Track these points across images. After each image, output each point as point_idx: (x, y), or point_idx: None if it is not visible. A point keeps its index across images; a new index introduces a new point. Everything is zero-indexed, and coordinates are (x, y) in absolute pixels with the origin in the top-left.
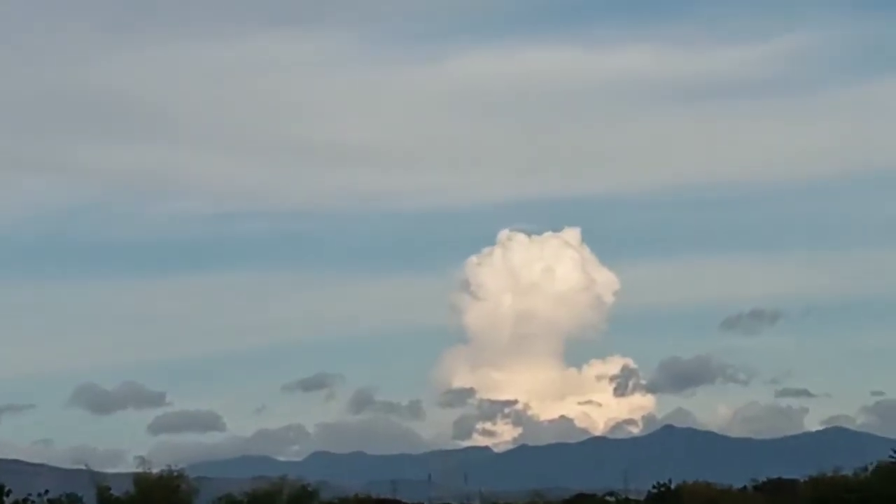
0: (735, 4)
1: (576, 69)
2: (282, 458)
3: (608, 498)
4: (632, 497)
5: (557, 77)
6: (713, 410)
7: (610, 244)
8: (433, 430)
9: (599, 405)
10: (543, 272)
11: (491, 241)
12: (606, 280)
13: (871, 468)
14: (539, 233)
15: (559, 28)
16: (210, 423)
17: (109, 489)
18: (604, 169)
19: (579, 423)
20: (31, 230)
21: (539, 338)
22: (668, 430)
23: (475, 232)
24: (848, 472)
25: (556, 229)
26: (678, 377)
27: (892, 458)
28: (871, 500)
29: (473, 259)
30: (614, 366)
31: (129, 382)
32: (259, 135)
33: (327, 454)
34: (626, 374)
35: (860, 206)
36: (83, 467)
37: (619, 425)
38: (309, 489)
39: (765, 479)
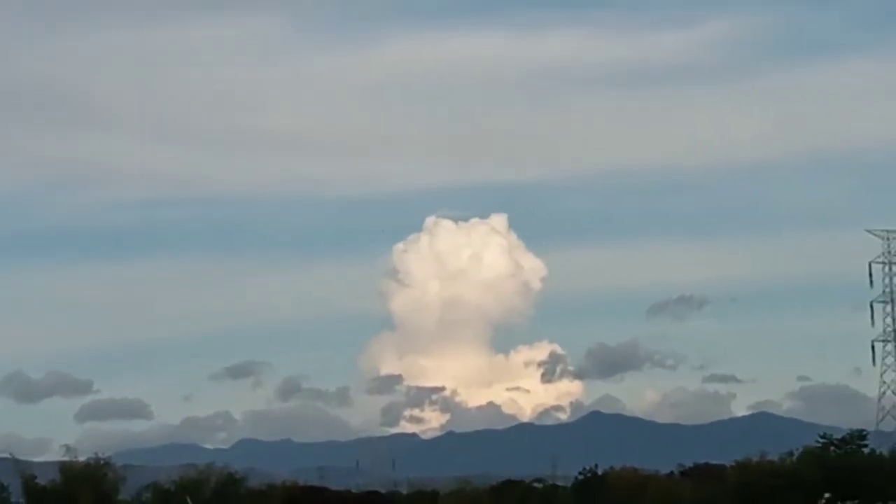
0: None
1: (504, 55)
2: (209, 446)
3: (535, 484)
4: (559, 483)
5: (486, 63)
6: (641, 396)
7: (537, 231)
8: (361, 417)
9: (527, 391)
10: (470, 259)
11: (418, 227)
12: (534, 266)
13: (796, 453)
14: (466, 219)
15: (488, 14)
16: (137, 410)
17: (35, 478)
18: (531, 155)
19: (507, 410)
20: None
21: (466, 324)
22: (596, 415)
23: (402, 218)
24: (774, 457)
25: (483, 216)
26: (606, 363)
27: (819, 443)
28: (797, 484)
29: (400, 246)
30: (542, 352)
31: (55, 371)
32: (187, 122)
33: (255, 441)
34: (554, 360)
35: (786, 192)
36: (8, 456)
37: (547, 411)
38: (236, 477)
39: (692, 465)
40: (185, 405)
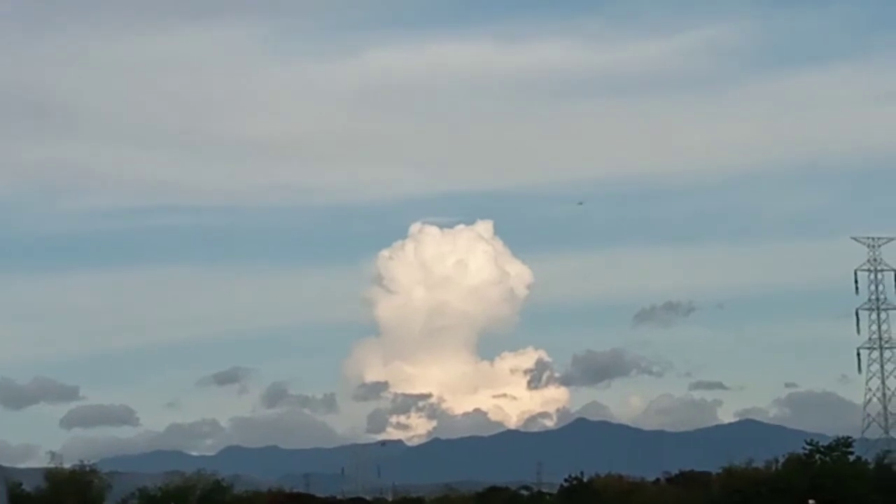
0: None
1: (489, 63)
2: (195, 453)
3: (521, 491)
4: (545, 490)
5: (471, 71)
6: (627, 403)
7: (523, 237)
8: (347, 423)
9: (514, 398)
10: (456, 265)
11: (403, 234)
12: (519, 273)
13: (781, 460)
14: (451, 226)
15: (473, 22)
16: (123, 417)
17: (20, 484)
18: (517, 162)
19: (493, 417)
20: None
21: (452, 331)
22: (582, 422)
23: (387, 225)
24: (760, 464)
25: (469, 222)
26: (592, 370)
27: (805, 449)
28: (783, 491)
29: (385, 252)
30: (528, 359)
31: (41, 377)
32: (171, 130)
33: (240, 448)
34: (540, 367)
35: (773, 200)
36: None
37: (534, 418)
38: (223, 484)
39: (678, 472)
40: (171, 412)
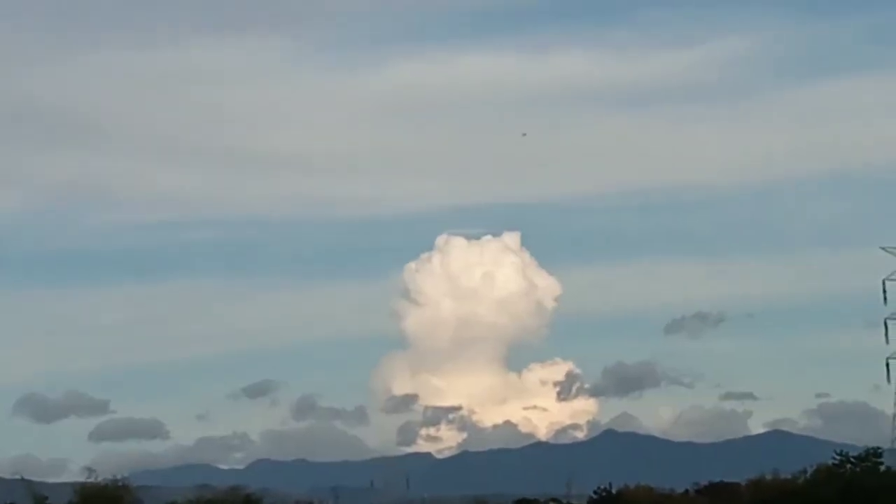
0: (670, 10)
1: (514, 75)
2: (224, 466)
3: (551, 503)
4: (574, 502)
5: (496, 83)
6: (657, 414)
7: (550, 248)
8: (377, 436)
9: (544, 410)
10: (483, 277)
11: (429, 246)
12: (547, 285)
13: (810, 471)
14: (478, 237)
15: (497, 34)
16: (153, 430)
17: (46, 498)
18: (543, 173)
19: (523, 428)
20: None
21: (480, 343)
22: (611, 434)
23: (413, 238)
24: (788, 475)
25: (496, 234)
26: (622, 381)
27: (834, 460)
28: (811, 502)
29: (412, 265)
30: (557, 371)
31: (71, 391)
32: (197, 143)
33: (270, 462)
34: (570, 378)
35: (802, 209)
36: (19, 478)
37: (563, 430)
38: (252, 498)
39: (706, 483)
40: (201, 425)
